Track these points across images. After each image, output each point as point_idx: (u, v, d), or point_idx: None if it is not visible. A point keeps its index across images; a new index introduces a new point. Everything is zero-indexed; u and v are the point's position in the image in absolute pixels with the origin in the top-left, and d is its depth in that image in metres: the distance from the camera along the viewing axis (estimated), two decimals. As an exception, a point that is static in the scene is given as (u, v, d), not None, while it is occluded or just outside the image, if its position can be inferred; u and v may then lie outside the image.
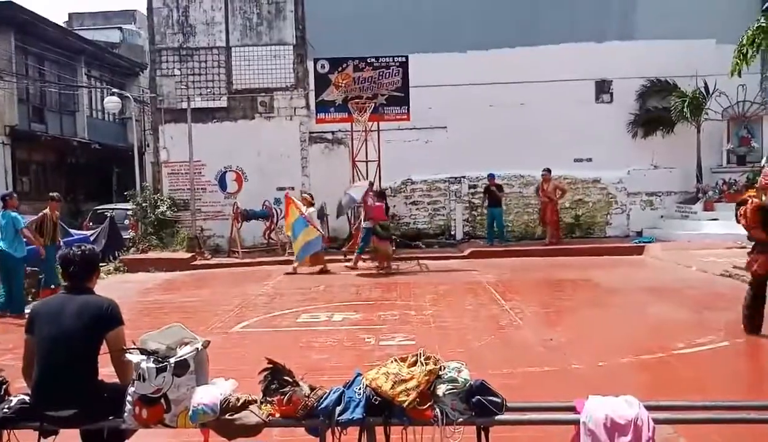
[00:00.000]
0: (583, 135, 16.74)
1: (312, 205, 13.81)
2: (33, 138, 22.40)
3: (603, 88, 17.53)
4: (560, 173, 17.37)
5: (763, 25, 8.73)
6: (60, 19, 31.64)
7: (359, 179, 15.40)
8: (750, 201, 6.46)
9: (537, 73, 16.50)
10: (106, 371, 3.44)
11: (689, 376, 5.91)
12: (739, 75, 9.85)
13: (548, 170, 15.68)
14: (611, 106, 17.42)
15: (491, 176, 16.12)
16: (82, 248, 3.60)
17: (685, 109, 16.09)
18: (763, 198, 6.34)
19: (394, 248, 14.03)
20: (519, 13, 16.87)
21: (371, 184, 14.12)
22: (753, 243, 6.73)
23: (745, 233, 6.90)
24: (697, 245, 13.90)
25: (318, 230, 13.38)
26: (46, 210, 10.81)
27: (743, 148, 16.82)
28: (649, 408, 2.97)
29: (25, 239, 9.53)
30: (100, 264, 4.38)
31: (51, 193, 11.25)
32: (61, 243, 10.49)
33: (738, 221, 6.74)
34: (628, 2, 17.24)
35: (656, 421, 2.93)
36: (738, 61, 9.40)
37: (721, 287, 10.19)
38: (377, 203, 13.23)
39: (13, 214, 9.42)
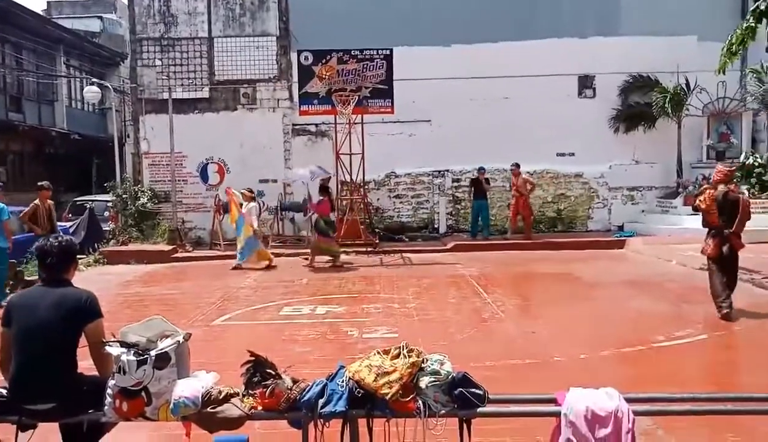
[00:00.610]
0: (566, 130, 16.85)
1: (253, 199, 13.55)
2: (10, 128, 22.04)
3: (586, 83, 17.64)
4: (543, 167, 17.51)
5: (752, 25, 8.89)
6: (38, 7, 31.13)
7: (343, 173, 15.39)
8: (708, 192, 7.68)
9: (521, 68, 16.55)
10: (86, 364, 3.40)
11: (669, 368, 5.99)
12: (724, 73, 10.02)
13: (517, 165, 15.63)
14: (594, 101, 17.54)
15: (482, 169, 16.11)
16: (59, 238, 3.54)
17: (666, 105, 16.26)
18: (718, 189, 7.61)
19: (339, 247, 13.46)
20: (503, 8, 16.88)
21: (325, 181, 13.70)
22: (707, 230, 7.77)
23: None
24: (677, 239, 14.07)
25: (253, 227, 13.03)
26: (37, 200, 10.74)
27: (723, 144, 17.04)
28: (629, 400, 3.00)
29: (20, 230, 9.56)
30: (79, 256, 4.32)
31: (40, 183, 11.22)
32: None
33: (697, 209, 7.87)
34: (611, -2, 17.34)
35: (636, 413, 2.96)
36: (727, 59, 9.54)
37: (700, 281, 10.27)
38: (321, 198, 12.92)
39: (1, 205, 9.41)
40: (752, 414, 3.32)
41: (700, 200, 7.71)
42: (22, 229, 11.58)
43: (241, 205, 13.12)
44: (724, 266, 7.63)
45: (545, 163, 17.39)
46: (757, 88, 16.18)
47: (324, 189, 13.30)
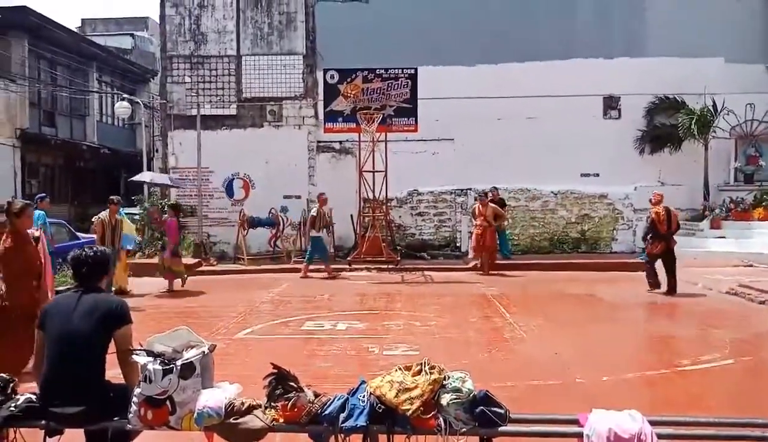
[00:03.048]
0: (591, 150, 16.76)
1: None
2: (43, 141, 22.58)
3: (611, 103, 17.56)
4: (567, 187, 17.42)
5: None
6: (73, 24, 32.00)
7: (366, 190, 15.48)
8: (656, 208, 11.19)
9: (545, 88, 16.55)
10: (113, 373, 3.47)
11: (694, 392, 5.88)
12: None
13: (485, 194, 15.21)
14: (619, 121, 17.44)
15: (494, 189, 16.08)
16: (94, 249, 3.66)
17: (692, 127, 16.09)
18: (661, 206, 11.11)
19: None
20: (528, 28, 16.94)
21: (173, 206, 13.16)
22: (651, 236, 11.12)
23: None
24: (703, 263, 13.85)
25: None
26: (104, 214, 11.17)
27: (751, 167, 16.80)
28: (652, 423, 2.97)
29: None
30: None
31: (111, 197, 11.73)
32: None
33: (652, 221, 11.05)
34: (637, 19, 17.30)
35: (660, 436, 2.94)
36: None
37: (727, 305, 10.15)
38: (171, 219, 12.51)
39: (39, 212, 10.00)
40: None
41: (655, 214, 11.00)
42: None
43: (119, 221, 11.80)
44: (665, 260, 11.07)
45: (569, 183, 17.28)
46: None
47: (175, 208, 12.97)
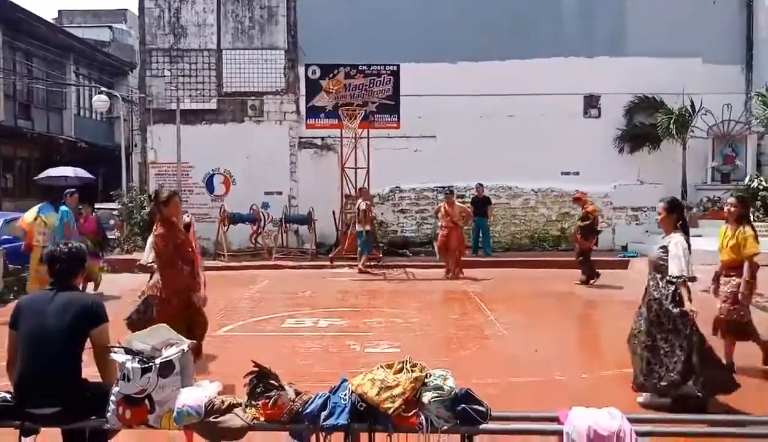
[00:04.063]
0: (571, 148, 16.89)
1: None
2: (19, 134, 22.19)
3: (591, 102, 17.70)
4: (548, 185, 17.55)
5: None
6: (50, 15, 31.39)
7: (348, 186, 15.45)
8: (593, 207, 12.61)
9: (526, 86, 16.64)
10: (90, 371, 3.41)
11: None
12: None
13: (451, 191, 14.32)
14: (599, 120, 17.60)
15: (479, 186, 16.16)
16: (69, 245, 3.58)
17: (671, 126, 16.29)
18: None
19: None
20: (510, 27, 16.98)
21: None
22: (593, 230, 12.41)
23: None
24: (680, 261, 13.99)
25: None
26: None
27: (727, 167, 17.06)
28: (631, 420, 3.00)
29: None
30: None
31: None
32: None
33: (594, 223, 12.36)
34: (618, 19, 17.45)
35: (638, 433, 2.96)
36: None
37: (703, 303, 10.27)
38: (90, 217, 11.84)
39: (65, 209, 10.06)
40: (757, 437, 3.30)
41: (594, 210, 12.40)
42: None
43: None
44: (589, 254, 12.38)
45: (550, 181, 17.42)
46: (762, 111, 16.22)
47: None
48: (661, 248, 5.34)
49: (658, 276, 5.28)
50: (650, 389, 5.26)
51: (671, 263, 5.13)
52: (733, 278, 6.22)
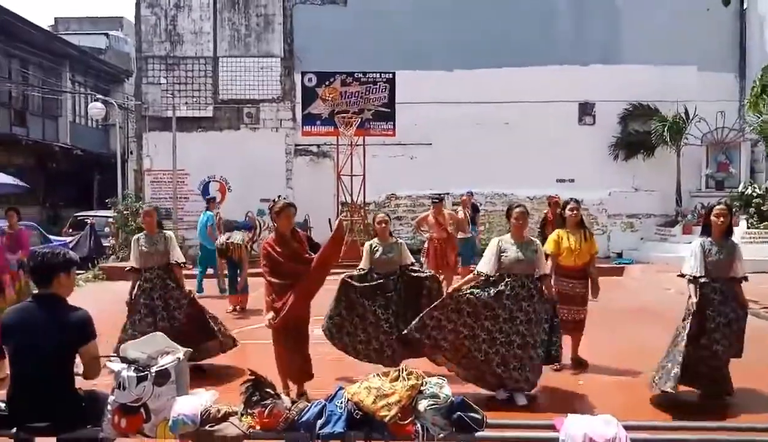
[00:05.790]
0: (566, 156, 16.96)
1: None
2: (14, 142, 22.11)
3: (586, 110, 17.79)
4: (543, 192, 17.51)
5: None
6: (46, 23, 31.47)
7: (344, 194, 15.45)
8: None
9: (522, 94, 16.72)
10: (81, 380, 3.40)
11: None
12: (760, 113, 10.29)
13: (440, 199, 11.39)
14: (593, 128, 17.68)
15: (469, 193, 15.95)
16: (44, 251, 3.40)
17: (665, 134, 16.39)
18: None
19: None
20: (505, 35, 17.08)
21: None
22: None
23: None
24: (675, 268, 13.98)
25: None
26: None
27: (721, 174, 17.14)
28: (627, 428, 3.01)
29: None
30: (79, 271, 4.31)
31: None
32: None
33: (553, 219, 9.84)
34: (612, 27, 17.57)
35: (634, 441, 2.97)
36: (761, 99, 9.76)
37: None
38: (20, 228, 9.40)
39: (209, 213, 12.07)
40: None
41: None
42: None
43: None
44: None
45: (545, 188, 17.38)
46: (756, 118, 16.33)
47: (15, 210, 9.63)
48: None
49: None
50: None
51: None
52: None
